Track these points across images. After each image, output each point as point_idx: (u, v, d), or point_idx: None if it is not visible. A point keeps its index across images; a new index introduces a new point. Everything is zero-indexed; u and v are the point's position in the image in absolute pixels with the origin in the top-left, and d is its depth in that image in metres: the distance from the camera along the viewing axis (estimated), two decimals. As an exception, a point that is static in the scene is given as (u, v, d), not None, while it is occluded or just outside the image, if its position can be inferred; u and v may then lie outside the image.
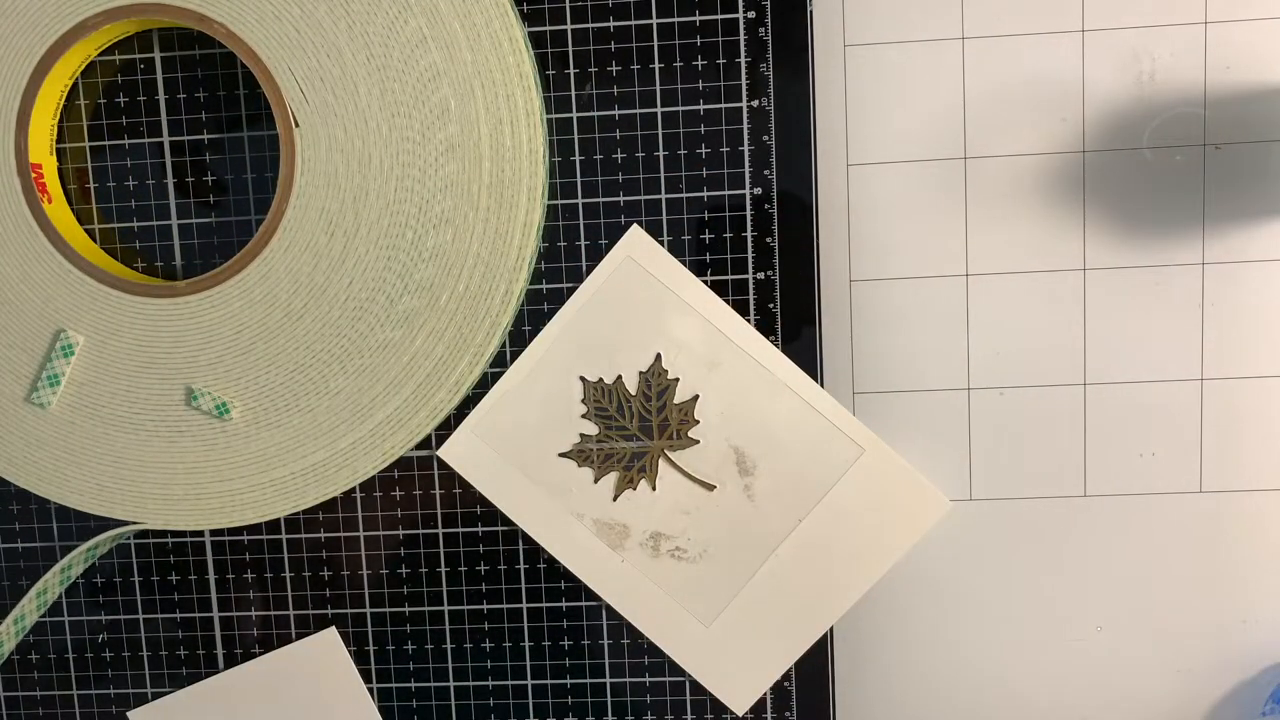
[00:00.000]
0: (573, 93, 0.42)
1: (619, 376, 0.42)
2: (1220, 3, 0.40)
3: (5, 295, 0.42)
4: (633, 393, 0.42)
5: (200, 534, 0.45)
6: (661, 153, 0.42)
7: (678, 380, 0.42)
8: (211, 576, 0.45)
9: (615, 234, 0.42)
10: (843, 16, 0.41)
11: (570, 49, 0.41)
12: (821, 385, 0.42)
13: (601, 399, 0.42)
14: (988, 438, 0.43)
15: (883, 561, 0.43)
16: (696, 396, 0.42)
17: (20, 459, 0.44)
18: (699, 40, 0.41)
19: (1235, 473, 0.42)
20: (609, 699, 0.44)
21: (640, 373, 0.42)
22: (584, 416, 0.43)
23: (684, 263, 0.42)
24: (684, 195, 0.42)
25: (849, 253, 0.42)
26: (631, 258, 0.42)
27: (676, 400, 0.42)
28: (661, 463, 0.43)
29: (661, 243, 0.42)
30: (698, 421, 0.42)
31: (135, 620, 0.45)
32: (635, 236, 0.42)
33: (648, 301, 0.42)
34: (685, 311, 0.42)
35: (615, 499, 0.43)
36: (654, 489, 0.43)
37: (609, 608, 0.43)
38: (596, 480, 0.43)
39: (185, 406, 0.43)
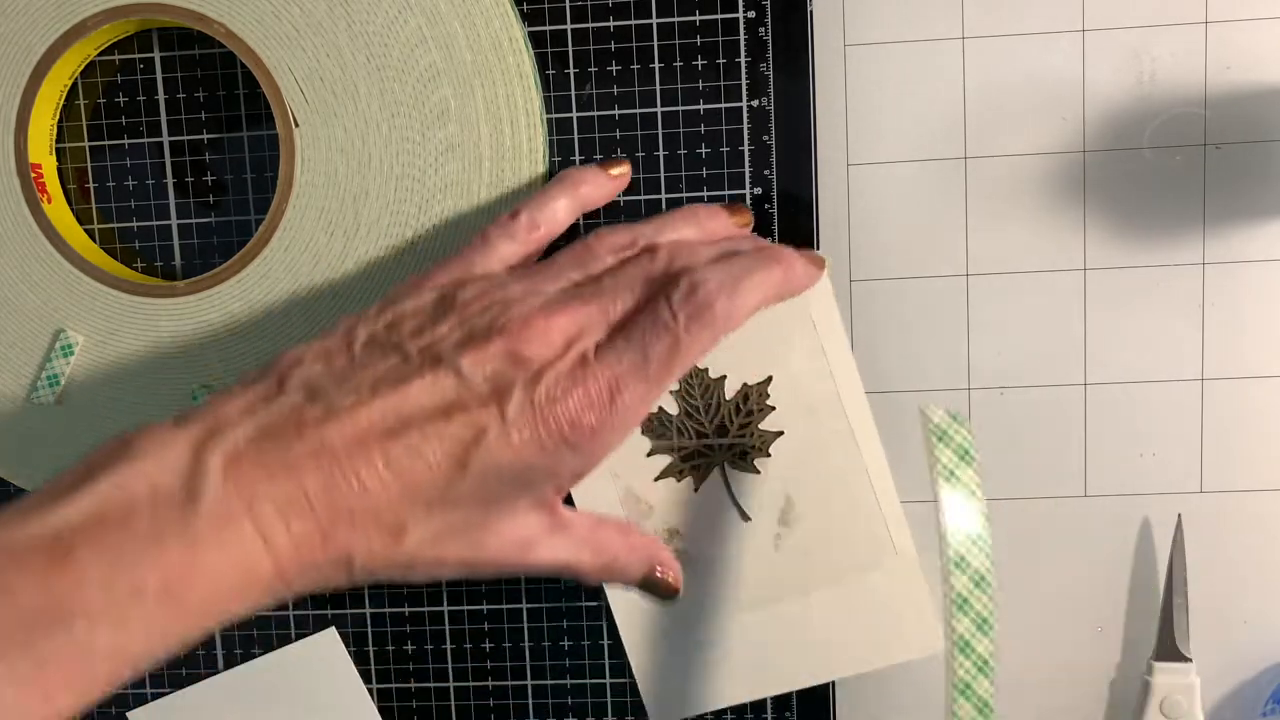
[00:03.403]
0: (573, 93, 0.41)
1: (724, 376, 0.42)
2: (1221, 3, 0.40)
3: (5, 295, 0.42)
4: (728, 397, 0.42)
5: (200, 534, 0.45)
6: (661, 153, 0.41)
7: (774, 410, 0.42)
8: (211, 577, 0.45)
9: (615, 234, 0.42)
10: (843, 16, 0.41)
11: (570, 49, 0.41)
12: (822, 385, 0.42)
13: (696, 387, 0.42)
14: (988, 438, 0.43)
15: (851, 666, 0.42)
16: (781, 433, 0.42)
17: (20, 459, 0.44)
18: (699, 40, 0.41)
19: (1236, 473, 0.42)
20: (609, 699, 0.44)
21: (745, 384, 0.42)
22: (673, 392, 0.42)
23: (684, 263, 0.42)
24: (684, 195, 0.42)
25: (849, 253, 0.42)
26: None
27: (762, 426, 0.42)
28: (716, 472, 0.42)
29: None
30: (768, 455, 0.42)
31: (135, 620, 0.45)
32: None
33: (789, 320, 0.41)
34: (815, 353, 0.41)
35: (656, 479, 0.43)
36: (695, 490, 0.43)
37: (608, 608, 0.43)
38: (650, 454, 0.43)
39: (185, 406, 0.43)
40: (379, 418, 0.31)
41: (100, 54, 0.42)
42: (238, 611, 0.30)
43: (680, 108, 0.41)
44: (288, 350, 0.34)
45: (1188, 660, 0.41)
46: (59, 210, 0.42)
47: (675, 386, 0.42)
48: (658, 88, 0.41)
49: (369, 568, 0.32)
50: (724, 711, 0.44)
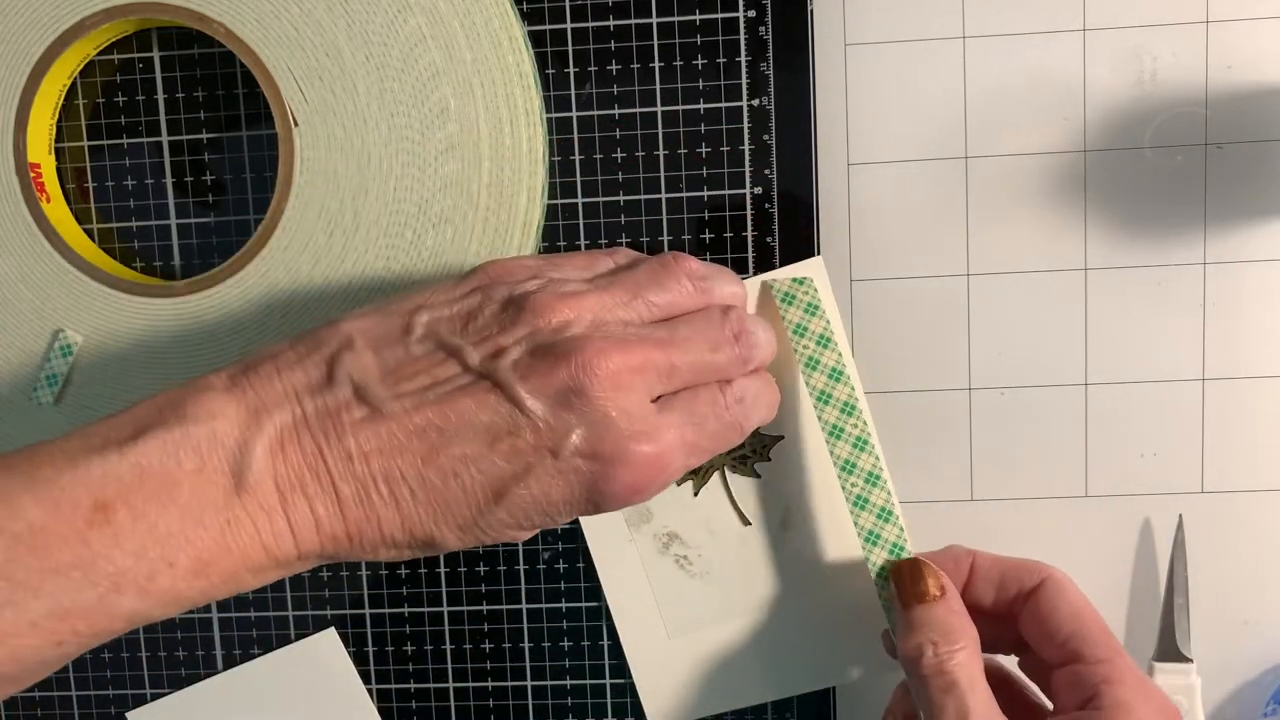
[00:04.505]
0: (573, 93, 0.41)
1: None
2: (1221, 2, 0.40)
3: (4, 295, 0.42)
4: None
5: (199, 534, 0.45)
6: (661, 153, 0.41)
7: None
8: (211, 577, 0.45)
9: (615, 234, 0.42)
10: (843, 16, 0.41)
11: (570, 48, 0.41)
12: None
13: None
14: (988, 438, 0.43)
15: (852, 671, 0.42)
16: (781, 437, 0.42)
17: (19, 459, 0.44)
18: (699, 39, 0.41)
19: (1237, 473, 0.42)
20: (609, 700, 0.44)
21: None
22: None
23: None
24: (684, 195, 0.42)
25: (849, 253, 0.42)
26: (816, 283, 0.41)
27: (762, 430, 0.41)
28: (716, 476, 0.42)
29: (661, 243, 0.42)
30: (769, 460, 0.42)
31: (134, 620, 0.45)
32: (819, 269, 0.41)
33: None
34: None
35: None
36: (695, 494, 0.42)
37: (608, 609, 0.43)
38: None
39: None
40: (420, 431, 0.30)
41: (99, 53, 0.42)
42: (253, 585, 0.31)
43: (680, 107, 0.41)
44: (341, 320, 0.33)
45: (1189, 661, 0.41)
46: (58, 210, 0.42)
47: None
48: (658, 87, 0.41)
49: (395, 560, 0.32)
50: (724, 715, 0.44)
